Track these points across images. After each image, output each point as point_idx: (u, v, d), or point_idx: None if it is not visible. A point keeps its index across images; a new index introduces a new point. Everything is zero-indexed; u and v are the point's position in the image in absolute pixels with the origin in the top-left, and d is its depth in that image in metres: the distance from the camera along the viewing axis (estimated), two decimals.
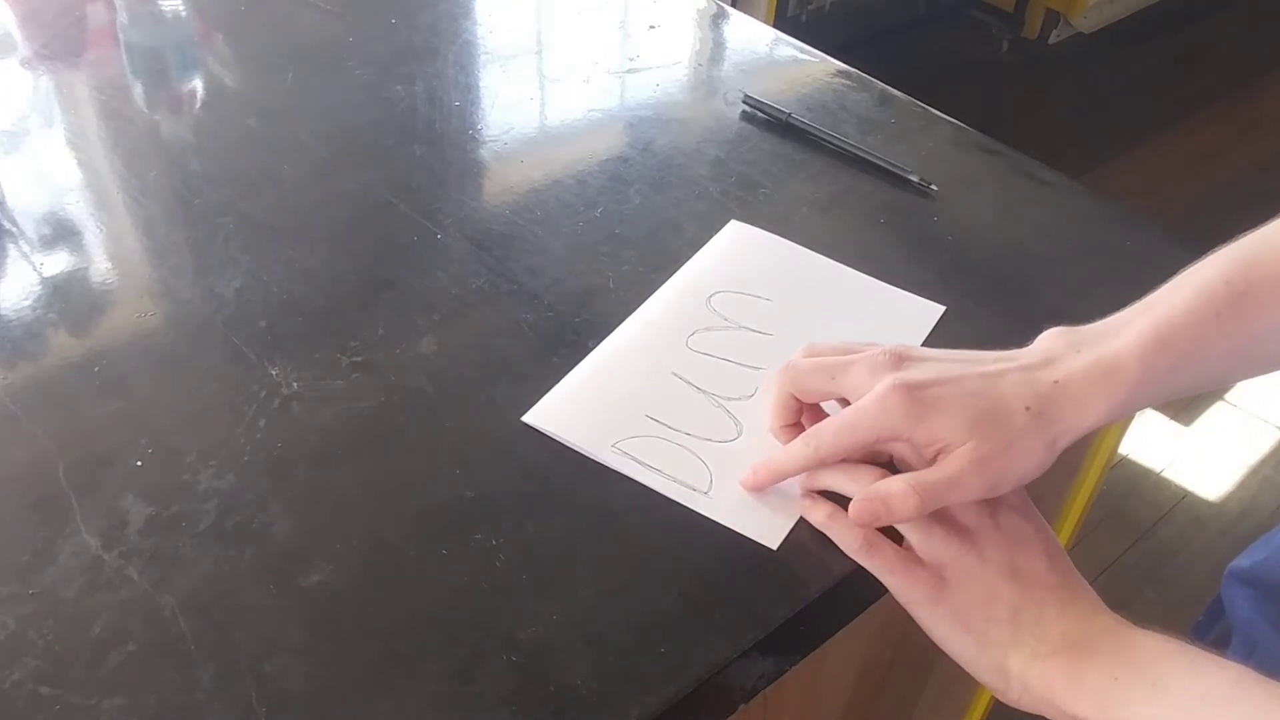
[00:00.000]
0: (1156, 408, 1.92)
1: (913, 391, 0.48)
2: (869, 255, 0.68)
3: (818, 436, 0.50)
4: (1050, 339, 0.51)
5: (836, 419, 0.50)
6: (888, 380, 0.48)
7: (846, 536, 0.50)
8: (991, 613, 0.48)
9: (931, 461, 0.48)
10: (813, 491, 0.52)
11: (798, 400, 0.53)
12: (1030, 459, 0.48)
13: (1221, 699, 0.41)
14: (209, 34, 0.88)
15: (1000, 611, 0.47)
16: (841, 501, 0.51)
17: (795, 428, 0.54)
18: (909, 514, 0.47)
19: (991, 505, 0.49)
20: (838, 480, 0.51)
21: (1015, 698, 0.47)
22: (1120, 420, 0.48)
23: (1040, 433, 0.47)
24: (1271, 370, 0.51)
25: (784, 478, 0.53)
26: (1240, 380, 0.52)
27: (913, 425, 0.47)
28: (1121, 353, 0.48)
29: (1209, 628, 0.62)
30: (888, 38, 2.84)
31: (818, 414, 0.55)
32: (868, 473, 0.50)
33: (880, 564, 0.49)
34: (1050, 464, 0.49)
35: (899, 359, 0.50)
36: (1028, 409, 0.47)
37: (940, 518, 0.49)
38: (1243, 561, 0.56)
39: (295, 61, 0.84)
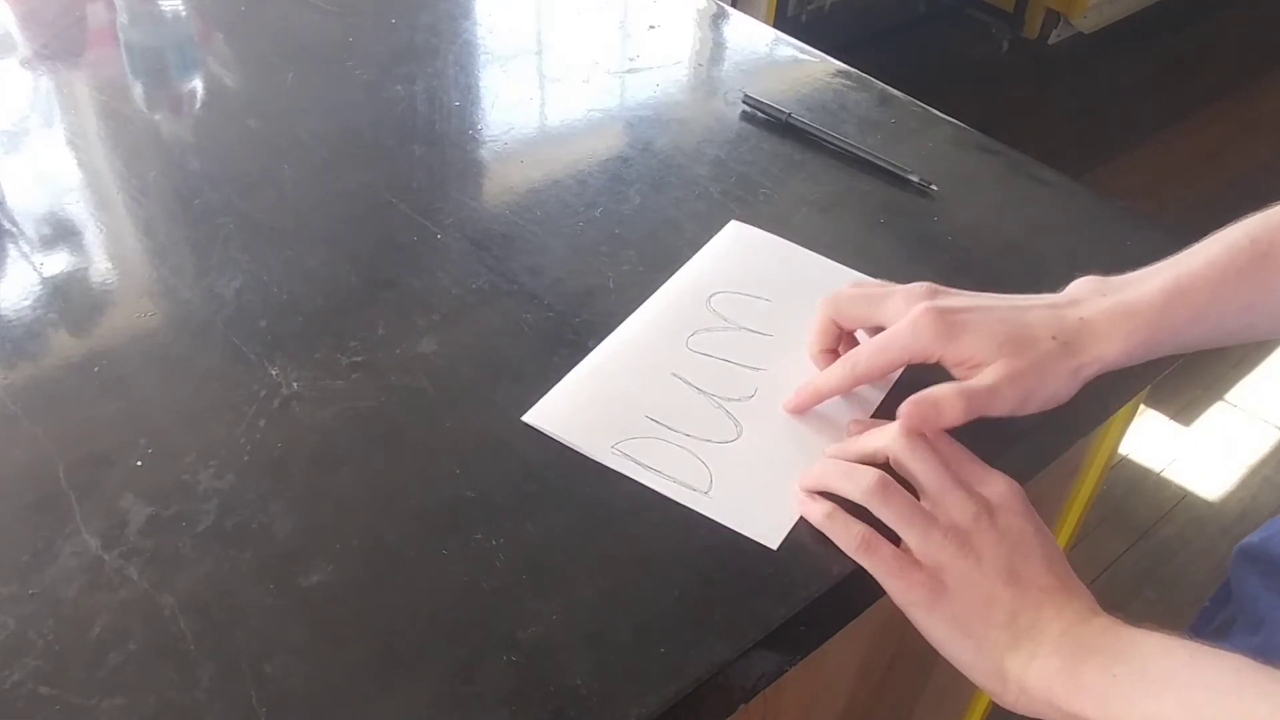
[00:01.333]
0: (1157, 408, 1.92)
1: (944, 315, 0.52)
2: (869, 255, 0.68)
3: (855, 357, 0.55)
4: (1079, 284, 0.55)
5: (873, 340, 0.54)
6: (916, 310, 0.53)
7: (845, 535, 0.50)
8: (989, 616, 0.48)
9: (965, 380, 0.52)
10: (812, 492, 0.52)
11: (837, 327, 0.58)
12: (1056, 381, 0.51)
13: (1222, 687, 0.42)
14: (209, 34, 0.88)
15: (998, 615, 0.47)
16: (842, 504, 0.51)
17: (831, 354, 0.59)
18: (956, 418, 0.50)
19: (990, 507, 0.49)
20: (837, 481, 0.51)
21: (1013, 700, 0.47)
22: (1141, 360, 0.52)
23: (1065, 359, 0.51)
24: None
25: (824, 398, 0.57)
26: (1259, 339, 0.54)
27: (944, 345, 0.52)
28: (1143, 298, 0.52)
29: (1216, 612, 0.62)
30: (888, 38, 2.84)
31: (852, 344, 0.58)
32: (866, 474, 0.50)
33: (878, 564, 0.49)
34: (1074, 392, 0.52)
35: (934, 290, 0.54)
36: (1054, 338, 0.52)
37: (938, 520, 0.49)
38: (1253, 538, 0.57)
39: (295, 61, 0.84)
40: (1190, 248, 0.53)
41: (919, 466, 0.50)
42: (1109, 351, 0.51)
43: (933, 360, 0.53)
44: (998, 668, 0.47)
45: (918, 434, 0.51)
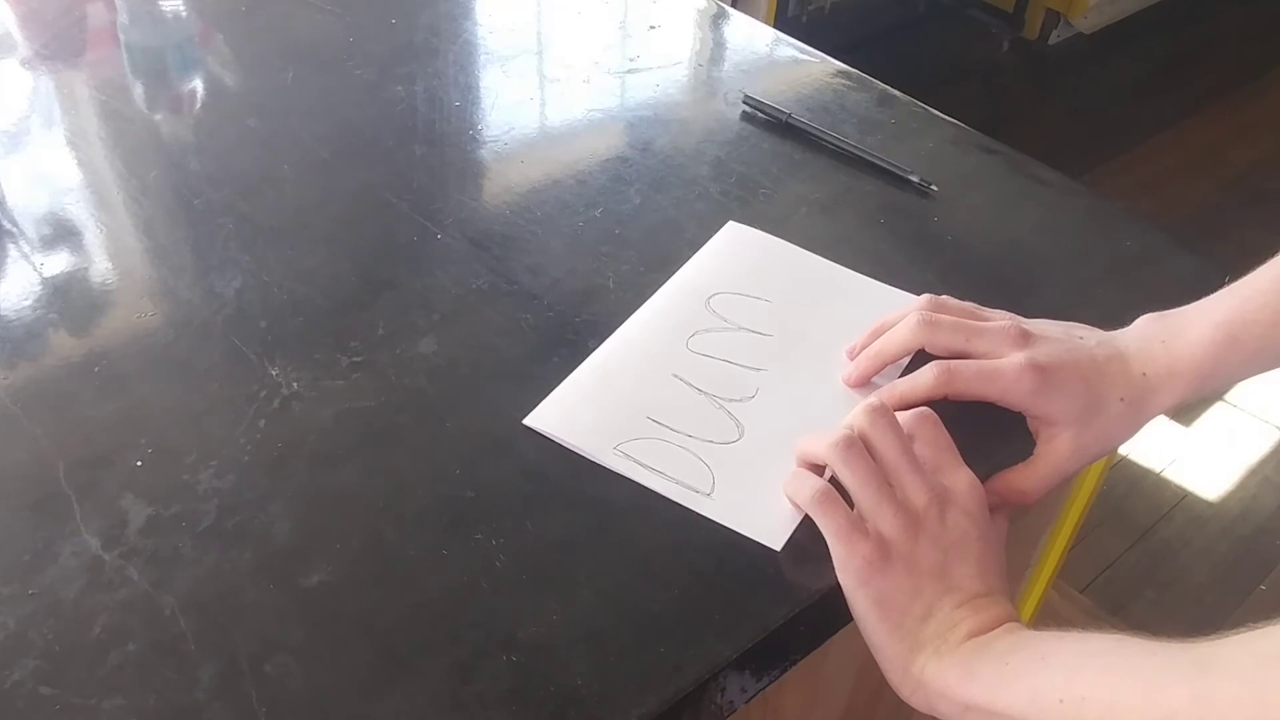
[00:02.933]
0: None
1: (1044, 373, 0.53)
2: (869, 255, 0.68)
3: (957, 371, 0.55)
4: (1143, 325, 0.56)
5: (976, 364, 0.55)
6: (1021, 356, 0.54)
7: (802, 487, 0.51)
8: (909, 607, 0.48)
9: (1034, 428, 0.55)
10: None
11: (907, 351, 0.58)
12: (1116, 439, 0.55)
13: (1101, 650, 0.43)
14: (209, 34, 0.88)
15: (917, 608, 0.48)
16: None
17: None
18: (1033, 496, 0.55)
19: (944, 499, 0.50)
20: (809, 445, 0.53)
21: (908, 693, 0.49)
22: (1192, 402, 0.55)
23: (1132, 420, 0.54)
24: None
25: (909, 403, 0.55)
26: None
27: (1036, 402, 0.54)
28: (1196, 350, 0.53)
29: None
30: (888, 38, 2.83)
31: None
32: (837, 432, 0.51)
33: (829, 521, 0.49)
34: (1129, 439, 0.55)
35: (1026, 335, 0.56)
36: (1122, 399, 0.54)
37: (896, 497, 0.49)
38: None
39: (295, 61, 0.84)
40: (1254, 272, 0.54)
41: (883, 443, 0.51)
42: (1165, 404, 0.54)
43: (1018, 409, 0.55)
44: (903, 660, 0.48)
45: (886, 410, 0.52)
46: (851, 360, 0.60)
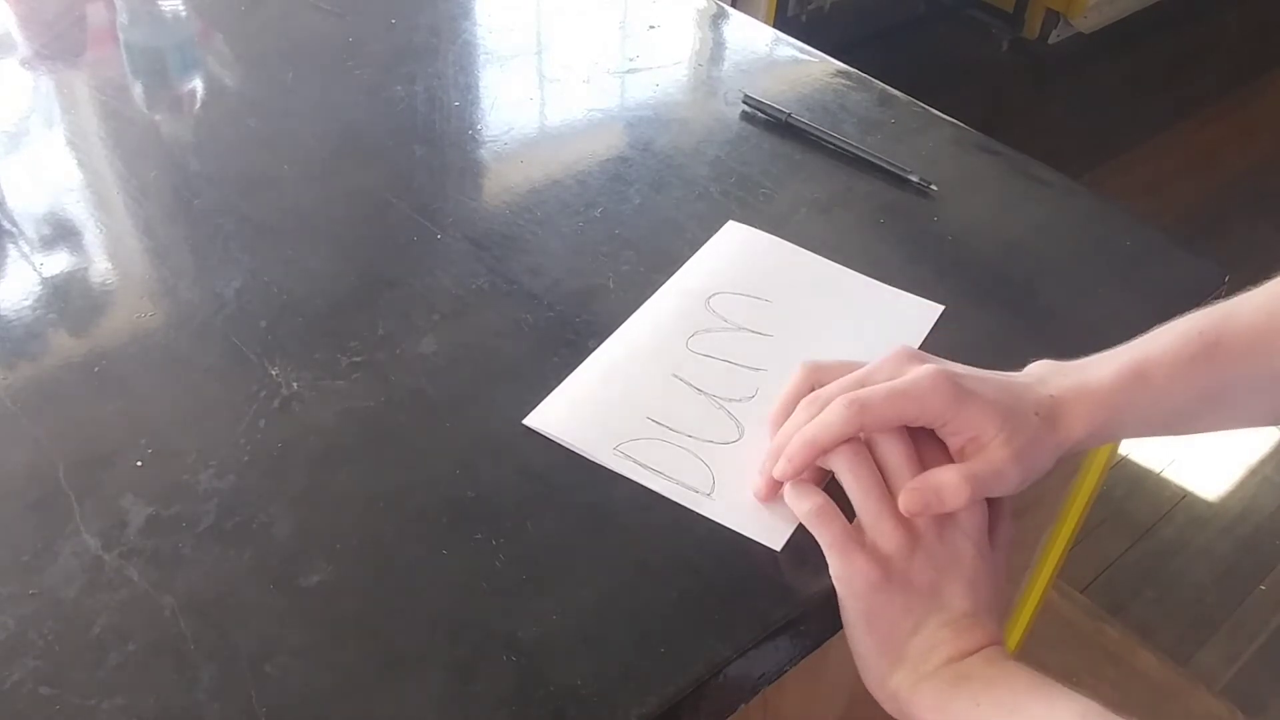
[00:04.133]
0: None
1: (952, 379, 0.50)
2: (869, 255, 0.68)
3: (862, 399, 0.49)
4: (1036, 367, 0.54)
5: (884, 386, 0.50)
6: (929, 367, 0.50)
7: (800, 499, 0.50)
8: (898, 622, 0.48)
9: (960, 450, 0.50)
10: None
11: (810, 390, 0.53)
12: (1045, 459, 0.50)
13: None
14: (209, 34, 0.88)
15: (907, 624, 0.48)
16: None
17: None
18: (960, 504, 0.49)
19: (941, 521, 0.50)
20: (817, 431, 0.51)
21: (882, 699, 0.50)
22: (1104, 445, 0.50)
23: (1049, 435, 0.50)
24: (1250, 425, 0.53)
25: (825, 450, 0.50)
26: (1221, 429, 0.54)
27: (955, 411, 0.49)
28: (1102, 380, 0.51)
29: None
30: (888, 38, 2.84)
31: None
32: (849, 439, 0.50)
33: (827, 534, 0.49)
34: (1050, 471, 0.51)
35: (920, 354, 0.52)
36: (1036, 414, 0.50)
37: (897, 512, 0.49)
38: None
39: (295, 61, 0.84)
40: (1144, 336, 0.52)
41: (889, 454, 0.50)
42: (1076, 431, 0.50)
43: (937, 425, 0.50)
44: (885, 675, 0.49)
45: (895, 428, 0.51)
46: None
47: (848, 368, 0.53)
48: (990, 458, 0.49)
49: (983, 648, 0.48)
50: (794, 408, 0.53)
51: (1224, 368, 0.51)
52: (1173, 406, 0.51)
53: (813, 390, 0.52)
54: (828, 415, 0.50)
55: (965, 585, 0.49)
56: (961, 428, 0.50)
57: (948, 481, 0.49)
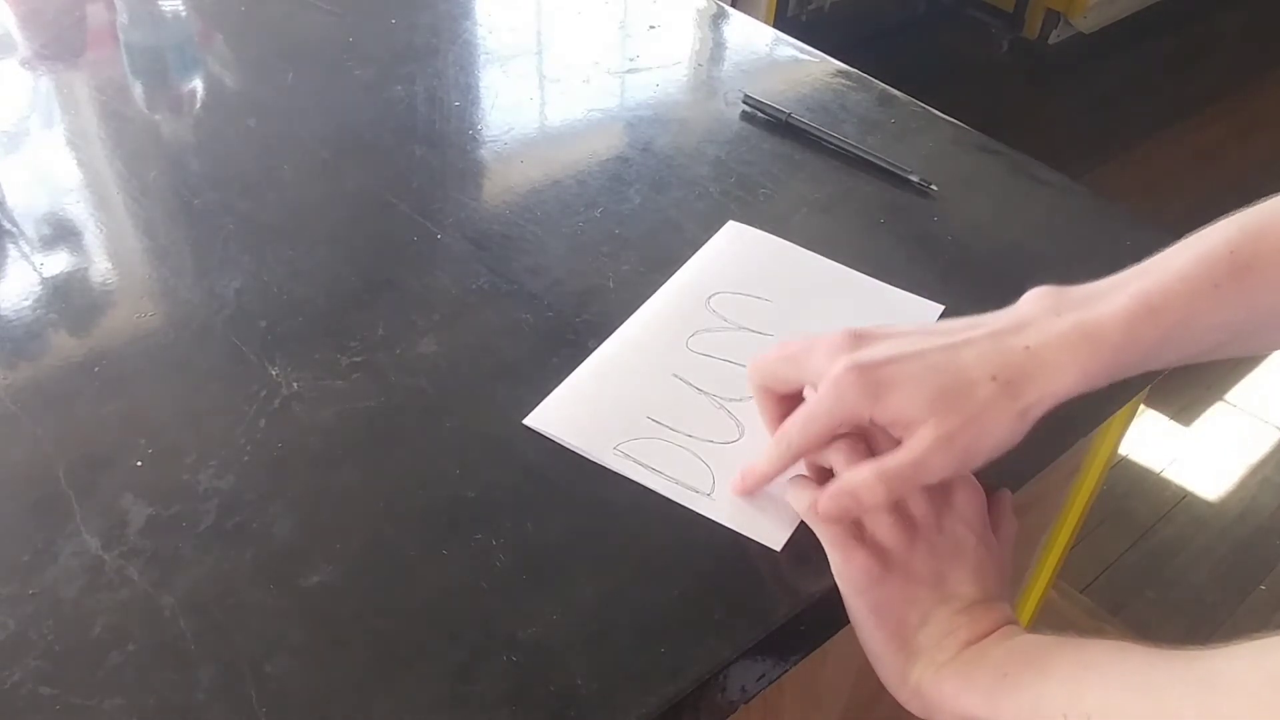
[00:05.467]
0: (1157, 408, 1.92)
1: (865, 372, 0.46)
2: (869, 255, 0.68)
3: (786, 435, 0.49)
4: (1033, 299, 0.48)
5: (798, 412, 0.49)
6: (841, 362, 0.47)
7: (800, 496, 0.50)
8: (906, 615, 0.48)
9: (899, 442, 0.47)
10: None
11: (776, 395, 0.52)
12: (1000, 430, 0.45)
13: (1101, 663, 0.41)
14: (209, 34, 0.88)
15: (914, 616, 0.48)
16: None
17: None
18: (878, 503, 0.47)
19: (941, 509, 0.50)
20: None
21: (906, 699, 0.48)
22: (1099, 386, 0.46)
23: (1010, 401, 0.45)
24: (1264, 351, 0.49)
25: (767, 481, 0.52)
26: (1231, 356, 0.49)
27: (870, 406, 0.46)
28: (1106, 318, 0.45)
29: None
30: (888, 38, 2.84)
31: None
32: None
33: (828, 533, 0.49)
34: (1024, 433, 0.46)
35: (856, 339, 0.48)
36: (994, 378, 0.45)
37: (894, 504, 0.49)
38: None
39: (295, 61, 0.84)
40: (1161, 253, 0.47)
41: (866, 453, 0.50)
42: (1061, 384, 0.45)
43: (864, 423, 0.47)
44: (901, 668, 0.48)
45: None
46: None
47: (787, 363, 0.50)
48: (910, 447, 0.46)
49: (998, 628, 0.47)
50: (769, 413, 0.52)
51: (1256, 292, 0.45)
52: (1190, 339, 0.45)
53: (768, 390, 0.52)
54: (765, 458, 0.50)
55: (970, 573, 0.49)
56: (887, 420, 0.46)
57: (861, 481, 0.46)
